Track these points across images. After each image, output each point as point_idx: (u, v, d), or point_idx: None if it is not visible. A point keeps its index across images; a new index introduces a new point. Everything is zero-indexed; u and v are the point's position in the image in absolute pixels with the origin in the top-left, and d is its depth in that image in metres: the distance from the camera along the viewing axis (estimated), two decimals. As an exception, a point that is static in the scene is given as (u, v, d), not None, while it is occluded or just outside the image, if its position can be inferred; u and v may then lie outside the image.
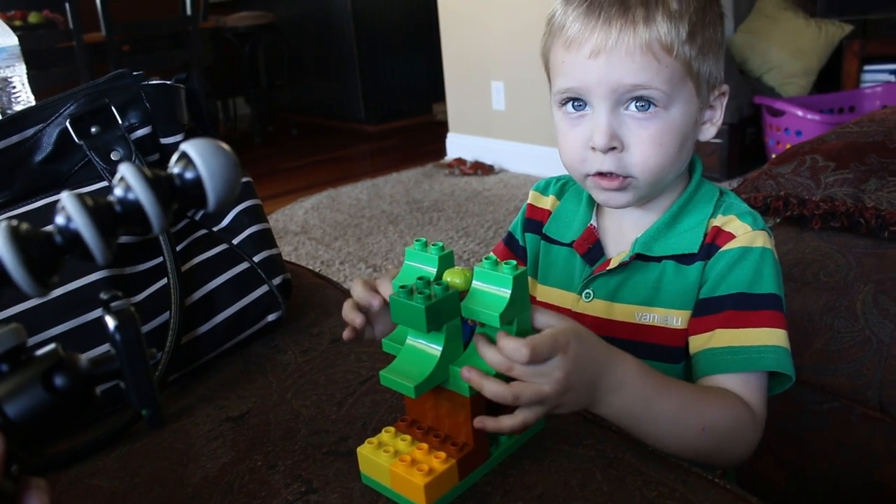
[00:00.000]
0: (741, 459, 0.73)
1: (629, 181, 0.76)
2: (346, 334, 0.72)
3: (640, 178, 0.76)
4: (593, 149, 0.76)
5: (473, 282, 0.64)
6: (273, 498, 0.67)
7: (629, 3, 0.72)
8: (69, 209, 0.37)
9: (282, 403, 0.83)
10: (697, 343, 0.77)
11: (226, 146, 0.39)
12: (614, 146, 0.75)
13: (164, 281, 0.90)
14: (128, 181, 0.38)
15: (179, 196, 0.39)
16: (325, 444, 0.74)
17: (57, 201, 0.89)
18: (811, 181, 1.18)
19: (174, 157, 0.39)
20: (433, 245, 0.68)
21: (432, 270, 0.67)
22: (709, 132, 0.81)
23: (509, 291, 0.61)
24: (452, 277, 0.65)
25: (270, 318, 0.97)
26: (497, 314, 0.60)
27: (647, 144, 0.75)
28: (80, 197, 0.37)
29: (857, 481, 1.06)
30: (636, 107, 0.74)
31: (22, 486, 0.39)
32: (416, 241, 0.69)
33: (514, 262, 0.62)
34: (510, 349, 0.60)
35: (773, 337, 0.74)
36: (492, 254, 0.68)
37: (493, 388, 0.61)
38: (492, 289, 0.62)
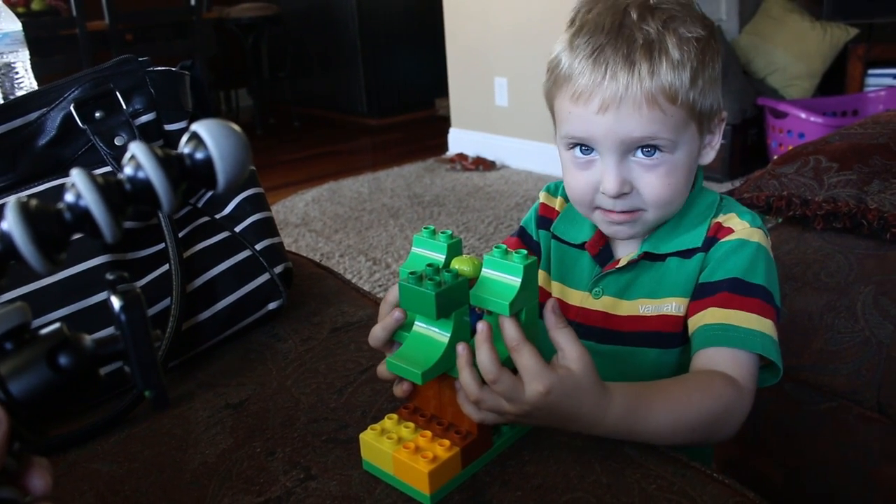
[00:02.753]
0: (732, 434, 0.75)
1: (639, 214, 0.80)
2: (399, 392, 0.72)
3: (649, 210, 0.80)
4: (603, 193, 0.79)
5: (483, 270, 0.64)
6: (272, 484, 0.67)
7: (634, 57, 0.73)
8: (79, 186, 0.37)
9: (281, 391, 0.83)
10: (694, 322, 0.79)
11: (236, 127, 0.39)
12: (625, 191, 0.78)
13: (166, 267, 0.90)
14: (138, 160, 0.37)
15: (189, 176, 0.39)
16: (324, 432, 0.74)
17: (60, 185, 0.89)
18: (814, 181, 1.18)
19: (185, 137, 0.39)
20: (442, 233, 0.68)
21: (441, 258, 0.67)
22: (709, 156, 0.84)
23: (519, 280, 0.61)
24: (461, 265, 0.65)
25: (271, 306, 0.97)
26: (507, 303, 0.61)
27: (655, 186, 0.78)
28: (91, 174, 0.37)
29: (854, 481, 1.06)
30: (643, 153, 0.77)
31: (24, 464, 0.39)
32: (425, 228, 0.69)
33: (525, 251, 0.63)
34: (483, 362, 0.62)
35: (760, 324, 0.76)
36: (502, 243, 0.68)
37: (465, 379, 0.63)
38: (502, 277, 0.62)
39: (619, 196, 0.78)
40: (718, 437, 0.74)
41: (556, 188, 0.96)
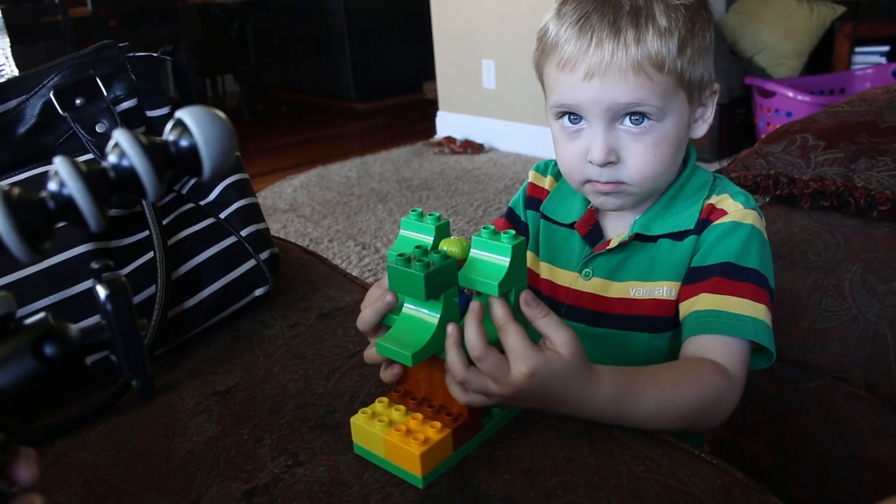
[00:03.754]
0: (722, 421, 0.75)
1: (623, 186, 0.79)
2: (388, 377, 0.71)
3: (634, 185, 0.78)
4: (591, 161, 0.78)
5: (472, 250, 0.64)
6: (259, 471, 0.67)
7: (620, 24, 0.73)
8: (63, 174, 0.36)
9: (269, 378, 0.83)
10: (685, 307, 0.79)
11: (221, 114, 0.38)
12: (611, 160, 0.77)
13: (151, 254, 0.89)
14: (122, 147, 0.37)
15: (175, 164, 0.38)
16: (312, 418, 0.74)
17: (41, 173, 0.88)
18: (801, 160, 1.18)
19: (169, 125, 0.38)
20: (429, 215, 0.68)
21: (429, 239, 0.67)
22: (700, 129, 0.83)
23: (508, 260, 0.61)
24: (450, 246, 0.65)
25: (258, 292, 0.97)
26: (496, 283, 0.60)
27: (642, 156, 0.77)
28: (74, 162, 0.36)
29: (842, 458, 1.07)
30: (631, 121, 0.76)
31: (10, 455, 0.39)
32: (412, 211, 0.69)
33: (513, 231, 0.62)
34: (469, 339, 0.62)
35: (752, 309, 0.75)
36: (490, 224, 0.68)
37: (452, 359, 0.63)
38: (490, 258, 0.62)
39: (605, 165, 0.77)
40: (707, 425, 0.74)
41: (545, 167, 0.95)
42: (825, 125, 1.21)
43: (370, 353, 0.72)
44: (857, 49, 3.44)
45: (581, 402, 0.65)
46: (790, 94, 3.15)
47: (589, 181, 0.80)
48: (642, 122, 0.76)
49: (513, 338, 0.62)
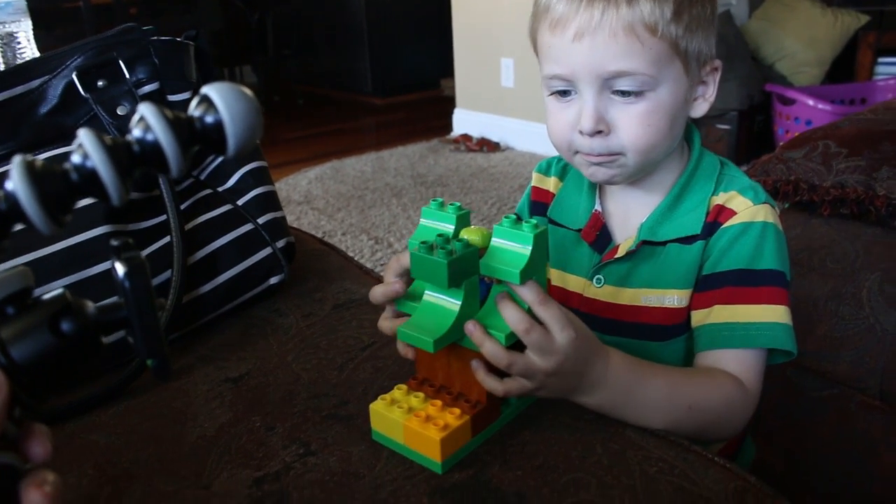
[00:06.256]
0: (734, 433, 0.74)
1: (617, 157, 0.76)
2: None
3: (628, 155, 0.76)
4: (581, 132, 0.76)
5: (493, 239, 0.64)
6: (271, 459, 0.67)
7: None
8: (86, 146, 0.36)
9: (282, 366, 0.83)
10: (698, 318, 0.78)
11: (248, 91, 0.38)
12: (601, 129, 0.75)
13: (167, 239, 0.89)
14: (147, 121, 0.36)
15: (199, 139, 0.38)
16: (324, 408, 0.74)
17: (62, 154, 0.88)
18: (822, 167, 1.17)
19: (195, 100, 0.38)
20: (450, 205, 0.68)
21: (450, 228, 0.67)
22: (701, 108, 0.80)
23: (530, 248, 0.61)
24: (470, 235, 0.65)
25: (273, 280, 0.97)
26: (517, 271, 0.61)
27: (635, 126, 0.74)
28: (98, 134, 0.36)
29: (855, 468, 1.06)
30: (623, 91, 0.74)
31: (25, 430, 0.38)
32: (433, 201, 0.69)
33: (534, 220, 0.63)
34: (512, 317, 0.62)
35: (771, 313, 0.74)
36: (512, 213, 0.68)
37: (491, 348, 0.62)
38: (512, 246, 0.62)
39: (595, 134, 0.75)
40: (719, 434, 0.74)
41: (548, 166, 0.93)
42: (848, 132, 1.20)
43: (384, 323, 0.73)
44: (881, 59, 3.42)
45: (599, 373, 0.66)
46: (810, 102, 3.13)
47: (578, 153, 0.78)
48: (634, 91, 0.73)
49: (552, 309, 0.62)
